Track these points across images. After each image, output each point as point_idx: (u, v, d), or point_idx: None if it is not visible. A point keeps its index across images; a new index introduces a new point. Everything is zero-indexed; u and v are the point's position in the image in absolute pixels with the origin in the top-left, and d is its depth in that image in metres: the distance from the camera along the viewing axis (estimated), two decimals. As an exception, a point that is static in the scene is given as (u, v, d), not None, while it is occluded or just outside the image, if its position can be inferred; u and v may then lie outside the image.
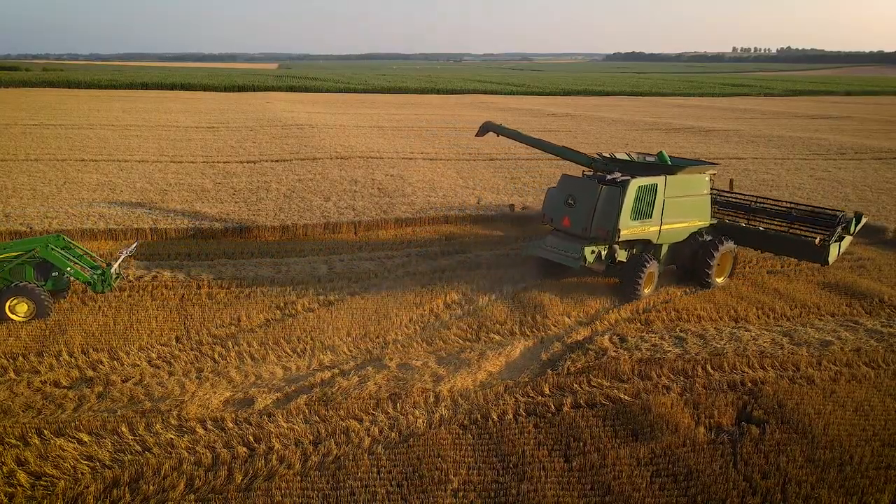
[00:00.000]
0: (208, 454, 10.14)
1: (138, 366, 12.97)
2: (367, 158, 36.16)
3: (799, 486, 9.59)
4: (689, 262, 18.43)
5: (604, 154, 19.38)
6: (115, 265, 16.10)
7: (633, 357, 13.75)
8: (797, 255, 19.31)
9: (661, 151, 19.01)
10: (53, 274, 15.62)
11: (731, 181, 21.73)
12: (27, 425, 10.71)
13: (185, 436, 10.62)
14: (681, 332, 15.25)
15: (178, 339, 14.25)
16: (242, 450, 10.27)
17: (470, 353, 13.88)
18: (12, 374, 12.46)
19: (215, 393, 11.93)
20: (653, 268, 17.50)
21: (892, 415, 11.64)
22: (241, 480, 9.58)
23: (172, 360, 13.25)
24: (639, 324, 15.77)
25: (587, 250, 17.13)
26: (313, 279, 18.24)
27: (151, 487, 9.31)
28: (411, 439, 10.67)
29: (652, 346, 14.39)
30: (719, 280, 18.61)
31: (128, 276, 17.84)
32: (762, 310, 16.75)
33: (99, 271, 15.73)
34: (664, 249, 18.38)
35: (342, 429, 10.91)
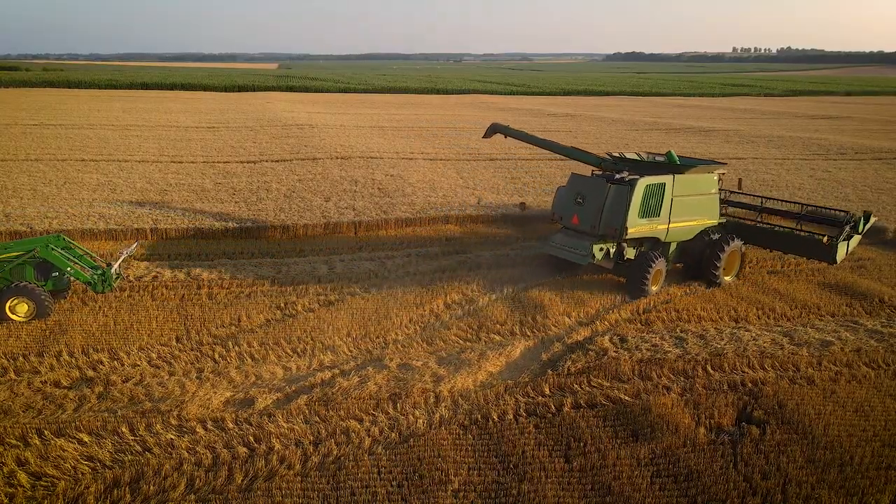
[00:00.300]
0: (209, 454, 10.14)
1: (138, 366, 12.97)
2: (367, 158, 36.16)
3: (799, 487, 9.60)
4: (698, 260, 18.58)
5: (613, 154, 19.57)
6: (116, 265, 16.10)
7: (634, 357, 13.75)
8: (805, 254, 19.41)
9: (669, 151, 19.18)
10: (54, 274, 15.61)
11: (740, 180, 21.84)
12: (28, 425, 10.71)
13: (186, 436, 10.62)
14: (681, 332, 15.25)
15: (178, 340, 14.25)
16: (243, 450, 10.27)
17: (470, 353, 13.87)
18: (13, 375, 12.46)
19: (215, 393, 11.93)
20: (660, 265, 17.67)
21: (892, 415, 11.64)
22: (242, 481, 9.58)
23: (173, 361, 13.25)
24: (639, 324, 15.77)
25: (595, 247, 17.35)
26: (313, 279, 18.24)
27: (152, 488, 9.31)
28: (412, 439, 10.67)
29: (652, 346, 14.39)
30: (727, 278, 18.76)
31: (128, 276, 17.84)
32: (762, 310, 16.75)
33: (99, 271, 15.73)
34: (672, 247, 18.59)
35: (342, 429, 10.91)
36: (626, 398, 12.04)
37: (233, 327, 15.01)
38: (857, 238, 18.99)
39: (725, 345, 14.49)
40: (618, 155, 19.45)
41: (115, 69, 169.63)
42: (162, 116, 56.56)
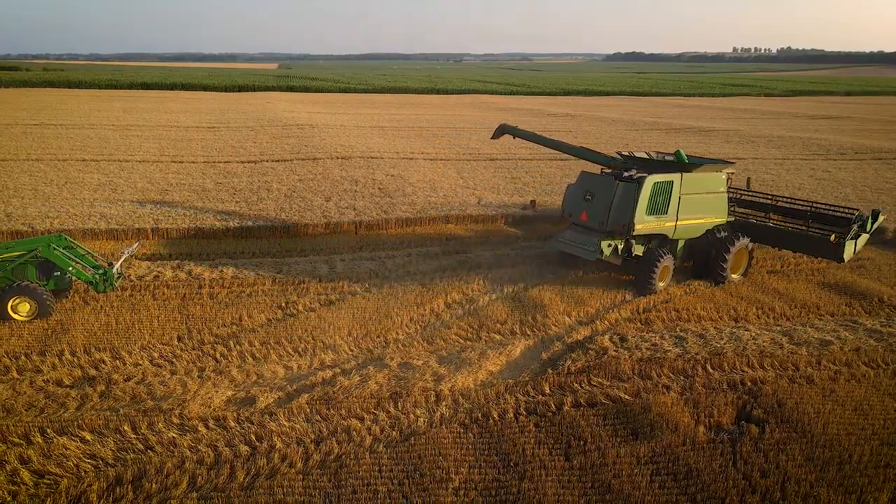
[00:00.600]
0: (210, 453, 10.19)
1: (140, 365, 13.02)
2: (367, 158, 36.21)
3: (798, 485, 9.65)
4: (706, 257, 18.79)
5: (623, 153, 19.81)
6: (117, 265, 16.14)
7: (634, 356, 13.79)
8: (813, 253, 19.57)
9: (678, 150, 19.41)
10: (55, 273, 15.66)
11: (749, 179, 21.97)
12: (30, 424, 10.76)
13: (188, 434, 10.67)
14: (681, 331, 15.29)
15: (179, 339, 14.29)
16: (244, 448, 10.32)
17: (471, 352, 13.92)
18: (15, 374, 12.51)
19: (217, 392, 11.98)
20: (668, 262, 17.91)
21: (891, 414, 11.69)
22: (244, 479, 9.63)
23: (174, 360, 13.30)
24: (639, 323, 15.82)
25: (604, 243, 17.66)
26: (314, 279, 18.29)
27: (154, 486, 9.36)
28: (412, 438, 10.72)
29: (652, 345, 14.44)
30: (735, 276, 18.96)
31: (129, 275, 17.89)
32: (762, 309, 16.79)
33: (101, 271, 15.77)
34: (680, 245, 18.84)
35: (343, 427, 10.95)
36: (626, 397, 12.08)
37: (234, 327, 15.06)
38: (865, 237, 19.09)
39: (725, 344, 14.54)
40: (627, 154, 19.73)
41: (116, 69, 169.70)
42: (162, 116, 56.61)
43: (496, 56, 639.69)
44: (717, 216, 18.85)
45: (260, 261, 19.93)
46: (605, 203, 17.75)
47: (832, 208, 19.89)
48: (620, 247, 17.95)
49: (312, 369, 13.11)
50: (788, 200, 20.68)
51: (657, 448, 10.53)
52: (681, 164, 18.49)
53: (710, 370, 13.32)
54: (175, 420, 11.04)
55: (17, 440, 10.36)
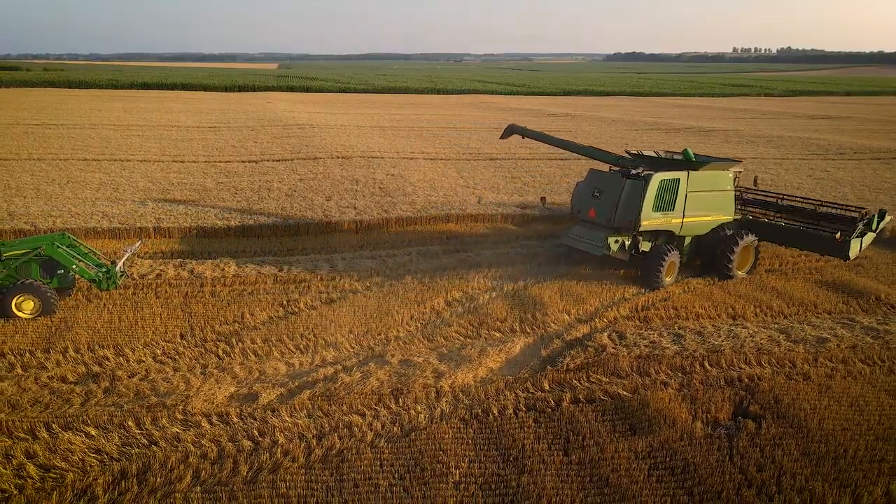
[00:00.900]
0: (214, 447, 10.32)
1: (143, 362, 13.15)
2: (368, 158, 36.34)
3: (794, 479, 9.78)
4: (712, 254, 19.11)
5: (631, 152, 20.24)
6: (120, 263, 16.27)
7: (632, 354, 13.92)
8: (819, 250, 19.83)
9: (686, 149, 19.77)
10: (59, 272, 15.80)
11: (756, 178, 22.25)
12: (35, 419, 10.89)
13: (191, 430, 10.80)
14: (679, 329, 15.42)
15: (182, 336, 14.42)
16: (247, 443, 10.45)
17: (471, 349, 14.05)
18: (20, 370, 12.64)
19: (220, 388, 12.11)
20: (674, 258, 18.30)
21: (886, 410, 11.82)
22: (247, 473, 9.76)
23: (177, 357, 13.44)
24: (637, 321, 15.95)
25: (611, 239, 18.09)
26: (315, 277, 18.42)
27: (159, 479, 9.49)
28: (413, 433, 10.84)
29: (650, 343, 14.56)
30: (741, 273, 19.27)
31: (131, 274, 18.02)
32: (760, 307, 16.93)
33: (104, 269, 15.89)
34: (687, 241, 19.19)
35: (345, 423, 11.09)
36: (625, 393, 12.22)
37: (236, 324, 15.19)
38: (871, 235, 19.35)
39: (723, 341, 14.67)
40: (636, 153, 20.12)
41: (116, 69, 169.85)
42: (163, 116, 56.75)
43: (496, 56, 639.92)
44: (724, 214, 19.22)
45: (261, 259, 20.05)
46: (612, 200, 18.18)
47: (839, 207, 20.11)
48: (627, 243, 18.34)
49: (314, 366, 13.24)
50: (798, 199, 20.98)
51: (655, 443, 10.66)
52: (688, 163, 18.85)
53: (708, 367, 13.45)
54: (178, 416, 11.18)
55: (22, 435, 10.49)
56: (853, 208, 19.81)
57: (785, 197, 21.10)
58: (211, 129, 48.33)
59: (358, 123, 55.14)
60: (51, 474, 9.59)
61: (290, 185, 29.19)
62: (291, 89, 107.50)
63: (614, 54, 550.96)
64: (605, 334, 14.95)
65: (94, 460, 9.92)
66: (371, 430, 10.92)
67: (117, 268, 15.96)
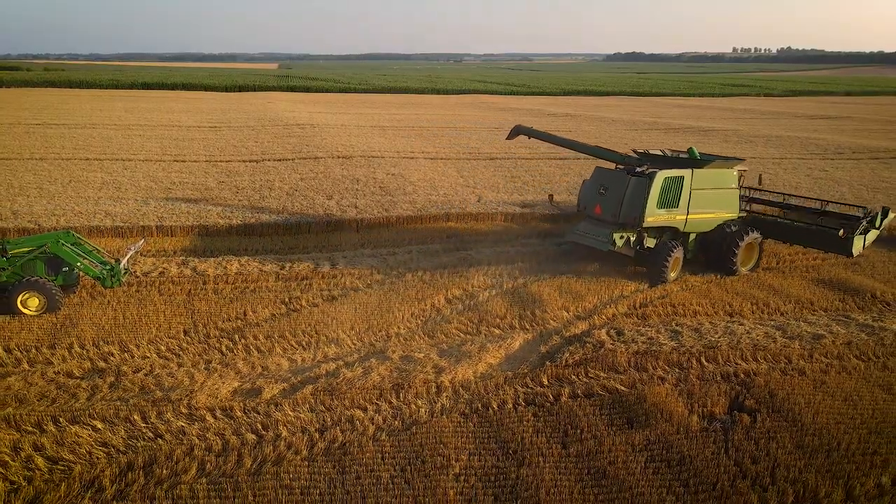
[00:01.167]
0: (218, 441, 10.51)
1: (148, 357, 13.34)
2: (368, 158, 36.53)
3: (787, 471, 9.97)
4: (717, 251, 19.44)
5: (637, 151, 20.68)
6: (124, 261, 16.45)
7: (630, 349, 14.11)
8: (822, 247, 20.15)
9: (691, 147, 20.22)
10: (64, 269, 15.98)
11: (760, 176, 22.51)
12: (43, 413, 11.08)
13: (196, 423, 10.99)
14: (676, 326, 15.61)
15: (186, 333, 14.61)
16: (251, 437, 10.64)
17: (471, 345, 14.24)
18: (26, 366, 12.83)
19: (224, 383, 12.30)
20: (678, 253, 18.70)
21: (879, 404, 12.00)
22: (251, 465, 9.95)
23: (181, 353, 13.62)
24: (636, 318, 16.14)
25: (616, 235, 18.49)
26: (317, 275, 18.60)
27: (165, 471, 9.69)
28: (414, 427, 11.02)
29: (648, 339, 14.75)
30: (745, 269, 19.61)
31: (135, 272, 18.20)
32: (757, 305, 17.11)
33: (108, 267, 16.07)
34: (692, 238, 19.54)
35: (347, 417, 11.27)
36: (622, 388, 12.41)
37: (239, 321, 15.38)
38: (874, 233, 19.63)
39: (719, 338, 14.85)
40: (643, 152, 20.55)
41: (116, 69, 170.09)
42: (164, 116, 56.93)
43: (496, 56, 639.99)
44: (728, 211, 19.56)
45: (263, 258, 20.23)
46: (617, 197, 18.56)
47: (844, 206, 20.36)
48: (632, 239, 18.72)
49: (316, 362, 13.43)
50: (803, 198, 21.30)
51: (651, 436, 10.85)
52: (692, 161, 19.27)
53: (705, 363, 13.63)
54: (183, 410, 11.36)
55: (30, 429, 10.67)
56: (858, 207, 20.09)
57: (790, 195, 21.41)
58: (212, 129, 48.51)
59: (358, 123, 55.32)
60: (59, 466, 9.78)
61: (291, 184, 29.37)
62: (292, 89, 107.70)
63: (614, 54, 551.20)
64: (604, 331, 15.13)
65: (101, 453, 10.11)
66: (373, 423, 11.10)
67: (121, 265, 16.14)
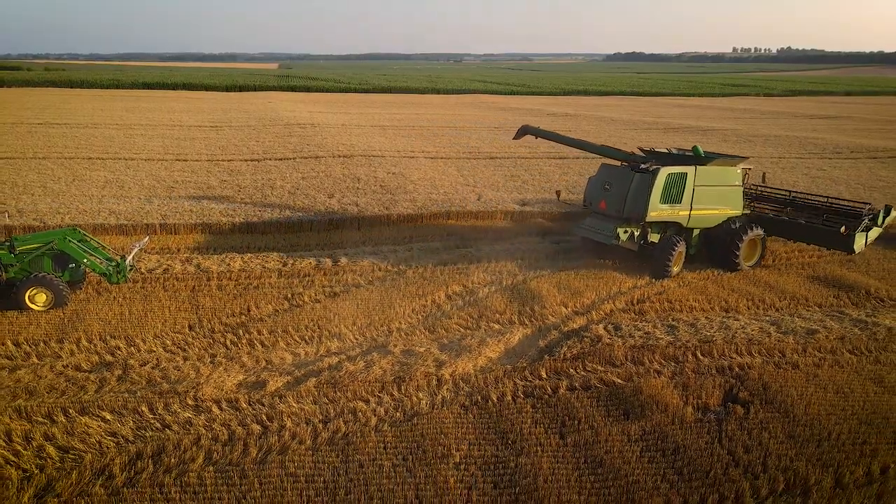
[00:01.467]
0: (224, 431, 10.78)
1: (154, 351, 13.61)
2: (369, 157, 36.80)
3: (779, 459, 10.24)
4: (720, 247, 19.82)
5: (644, 149, 21.11)
6: (129, 258, 16.72)
7: (627, 344, 14.38)
8: (824, 244, 20.55)
9: (695, 146, 20.60)
10: (71, 265, 16.25)
11: (764, 174, 22.81)
12: (53, 405, 11.34)
13: (202, 415, 11.26)
14: (673, 321, 15.88)
15: (191, 328, 14.88)
16: (256, 427, 10.91)
17: (471, 340, 14.50)
18: (35, 359, 13.10)
19: (229, 376, 12.57)
20: (681, 248, 19.11)
21: (871, 396, 12.27)
22: (257, 454, 10.22)
23: (187, 347, 13.89)
24: (633, 314, 16.40)
25: (620, 230, 18.99)
26: (319, 272, 18.87)
27: (173, 460, 9.96)
28: (415, 419, 11.29)
29: (645, 333, 15.02)
30: (747, 265, 19.99)
31: (140, 268, 18.46)
32: (752, 301, 17.37)
33: (114, 263, 16.35)
34: (695, 234, 19.97)
35: (350, 409, 11.54)
36: (619, 381, 12.67)
37: (242, 317, 15.64)
38: (876, 230, 19.96)
39: (715, 333, 15.12)
40: (649, 150, 21.00)
41: (116, 69, 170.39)
42: (165, 116, 57.21)
43: (496, 56, 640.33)
44: (732, 208, 19.93)
45: (266, 255, 20.49)
46: (621, 192, 19.03)
47: (846, 204, 20.65)
48: (636, 233, 19.17)
49: (319, 356, 13.70)
50: (806, 195, 21.61)
51: (647, 427, 11.12)
52: (696, 158, 19.70)
53: (700, 356, 13.91)
54: (190, 401, 11.63)
55: (41, 419, 10.94)
56: (863, 203, 20.38)
57: (793, 193, 21.73)
58: (213, 129, 48.78)
59: (359, 123, 55.59)
60: (69, 455, 10.05)
61: (292, 182, 29.64)
62: (292, 89, 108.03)
63: (614, 54, 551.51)
64: (601, 326, 15.40)
65: (111, 442, 10.38)
66: (375, 415, 11.37)
67: (126, 262, 16.41)
